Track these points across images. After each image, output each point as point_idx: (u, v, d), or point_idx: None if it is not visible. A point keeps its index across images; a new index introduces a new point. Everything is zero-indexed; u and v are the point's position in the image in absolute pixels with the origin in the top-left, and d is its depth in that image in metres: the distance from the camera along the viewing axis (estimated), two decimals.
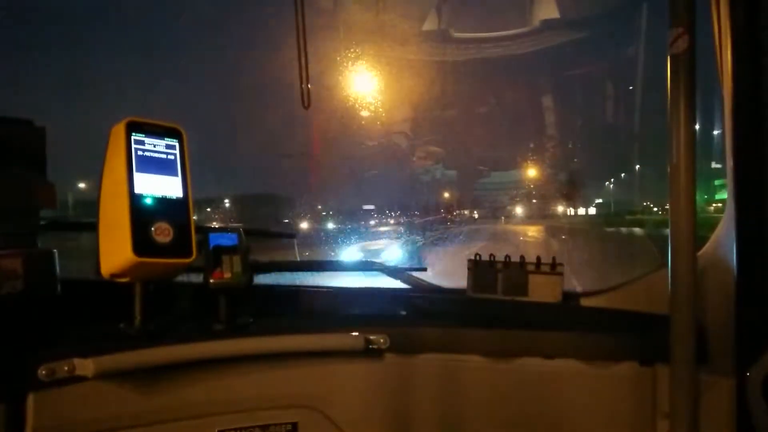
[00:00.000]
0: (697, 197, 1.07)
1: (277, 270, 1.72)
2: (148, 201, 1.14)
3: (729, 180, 1.13)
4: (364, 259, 4.59)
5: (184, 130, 1.23)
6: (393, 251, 10.14)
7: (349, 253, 9.15)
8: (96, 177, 1.19)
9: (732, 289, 1.13)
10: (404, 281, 1.68)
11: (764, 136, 1.08)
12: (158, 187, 1.17)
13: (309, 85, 1.66)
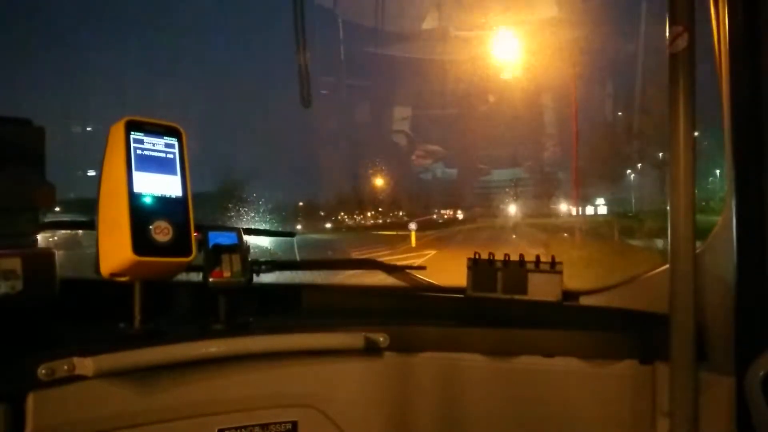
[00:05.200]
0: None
1: (276, 269, 1.72)
2: (148, 200, 1.14)
3: (728, 179, 1.13)
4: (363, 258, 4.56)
5: (183, 129, 1.23)
6: None
7: None
8: (95, 176, 1.19)
9: (731, 288, 1.13)
10: (403, 280, 1.68)
11: (764, 136, 1.08)
12: (157, 186, 1.17)
13: (309, 85, 1.66)
